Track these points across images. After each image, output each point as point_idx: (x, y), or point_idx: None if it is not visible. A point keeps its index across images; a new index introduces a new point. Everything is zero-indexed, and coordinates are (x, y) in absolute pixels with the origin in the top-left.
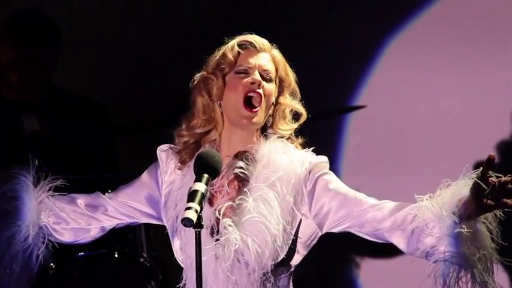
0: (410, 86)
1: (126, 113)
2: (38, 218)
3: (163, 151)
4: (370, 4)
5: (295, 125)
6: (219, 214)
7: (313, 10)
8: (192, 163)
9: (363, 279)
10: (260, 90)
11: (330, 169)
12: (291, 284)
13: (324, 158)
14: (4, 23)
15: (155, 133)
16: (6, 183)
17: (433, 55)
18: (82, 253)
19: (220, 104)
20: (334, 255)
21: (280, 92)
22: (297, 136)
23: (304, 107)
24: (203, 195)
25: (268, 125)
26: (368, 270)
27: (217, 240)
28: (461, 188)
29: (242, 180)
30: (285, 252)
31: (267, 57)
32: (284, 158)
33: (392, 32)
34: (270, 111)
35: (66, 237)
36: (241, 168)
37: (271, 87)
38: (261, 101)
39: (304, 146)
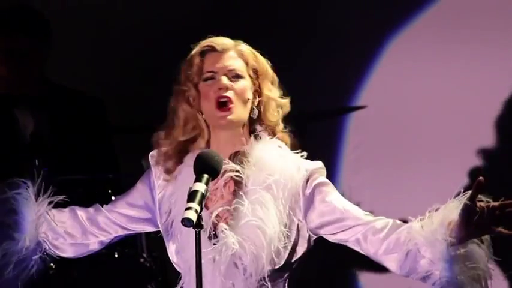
0: (411, 86)
1: (126, 112)
2: (37, 232)
3: (154, 157)
4: (370, 4)
5: (280, 115)
6: (216, 218)
7: (314, 10)
8: (182, 168)
9: (364, 279)
10: (229, 94)
11: (330, 170)
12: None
13: (319, 164)
14: None
15: (154, 134)
16: (7, 191)
17: (434, 55)
18: None
19: (201, 111)
20: (335, 255)
21: (259, 83)
22: (288, 131)
23: (286, 98)
24: (203, 196)
25: (254, 117)
26: (369, 270)
27: (214, 244)
28: (451, 211)
29: (237, 183)
30: (282, 256)
31: (232, 55)
32: (279, 161)
33: (392, 32)
34: (254, 105)
35: (68, 252)
36: (237, 171)
37: (242, 84)
38: (232, 105)
39: (295, 146)
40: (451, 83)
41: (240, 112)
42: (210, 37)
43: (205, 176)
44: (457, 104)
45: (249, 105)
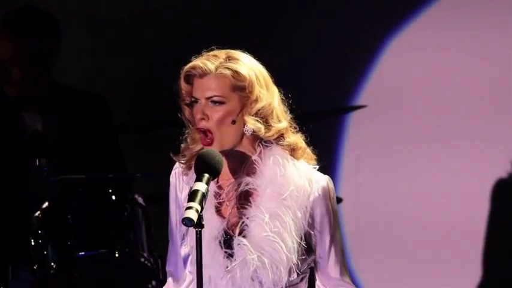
0: (411, 86)
1: (127, 112)
2: None
3: (173, 175)
4: (370, 3)
5: (280, 126)
6: (232, 230)
7: (314, 10)
8: (193, 174)
9: (362, 277)
10: (207, 124)
11: (331, 169)
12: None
13: (329, 181)
14: (3, 18)
15: (156, 133)
16: None
17: (434, 54)
18: (83, 253)
19: None
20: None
21: (246, 100)
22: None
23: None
24: (204, 195)
25: (248, 134)
26: (369, 270)
27: (230, 255)
28: None
29: (251, 194)
30: (300, 267)
31: (211, 80)
32: (292, 171)
33: (393, 31)
34: (246, 123)
35: None
36: (250, 183)
37: (221, 111)
38: (212, 135)
39: (306, 149)
40: (451, 81)
41: (223, 139)
42: (197, 57)
43: (206, 175)
44: (458, 102)
45: (238, 127)
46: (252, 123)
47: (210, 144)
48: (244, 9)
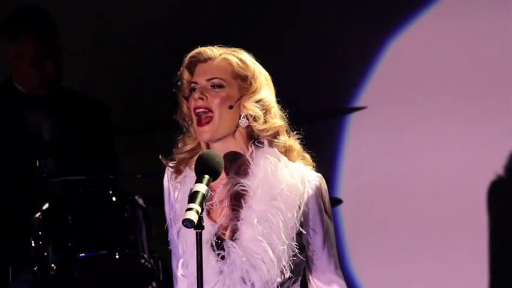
0: (411, 87)
1: (125, 113)
2: None
3: (165, 179)
4: (370, 4)
5: (277, 122)
6: (222, 231)
7: (314, 10)
8: (187, 177)
9: (363, 278)
10: (205, 104)
11: (331, 171)
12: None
13: (322, 179)
14: (12, 16)
15: (154, 134)
16: None
17: (434, 56)
18: (83, 254)
19: None
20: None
21: (245, 91)
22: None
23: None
24: (204, 196)
25: (243, 126)
26: (369, 271)
27: (221, 257)
28: None
29: (242, 196)
30: (292, 268)
31: (215, 64)
32: (284, 170)
33: (393, 32)
34: (243, 113)
35: None
36: (241, 184)
37: (221, 94)
38: (210, 115)
39: (302, 153)
40: (451, 83)
41: (220, 121)
42: (202, 46)
43: (206, 176)
44: (458, 104)
45: (234, 114)
46: (251, 109)
47: (207, 123)
48: (245, 10)
